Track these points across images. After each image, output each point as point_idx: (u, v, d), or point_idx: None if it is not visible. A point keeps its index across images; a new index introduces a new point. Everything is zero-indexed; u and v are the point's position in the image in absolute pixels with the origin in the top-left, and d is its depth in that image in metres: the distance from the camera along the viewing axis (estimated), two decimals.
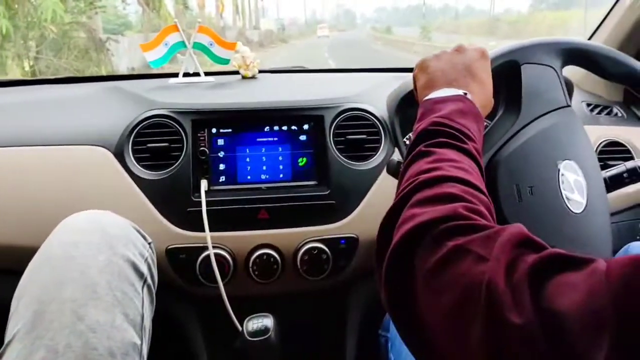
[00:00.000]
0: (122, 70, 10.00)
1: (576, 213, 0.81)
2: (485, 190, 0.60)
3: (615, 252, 0.91)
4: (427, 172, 0.60)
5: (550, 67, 0.87)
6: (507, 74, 0.86)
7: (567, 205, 0.81)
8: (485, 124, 0.77)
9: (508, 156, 0.81)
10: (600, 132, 1.29)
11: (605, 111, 1.38)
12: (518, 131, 0.84)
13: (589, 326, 0.37)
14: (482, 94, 0.75)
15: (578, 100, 1.36)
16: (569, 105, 0.88)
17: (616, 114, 1.37)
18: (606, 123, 1.34)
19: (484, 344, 0.43)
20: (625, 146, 1.26)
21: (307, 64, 1.75)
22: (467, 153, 0.64)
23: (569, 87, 1.12)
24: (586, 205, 0.82)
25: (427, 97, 0.74)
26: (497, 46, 0.88)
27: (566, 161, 0.83)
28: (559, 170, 0.82)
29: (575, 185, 0.83)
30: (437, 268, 0.49)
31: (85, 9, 9.51)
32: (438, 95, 0.73)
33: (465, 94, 0.72)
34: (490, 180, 0.80)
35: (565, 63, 0.90)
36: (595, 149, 1.25)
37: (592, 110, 1.37)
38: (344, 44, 33.56)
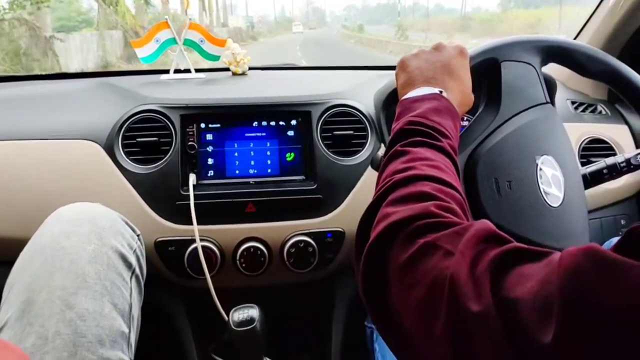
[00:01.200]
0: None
1: (554, 207, 0.83)
2: (459, 187, 0.62)
3: None
4: (401, 172, 0.61)
5: (530, 64, 0.89)
6: (487, 71, 0.87)
7: (544, 199, 0.82)
8: (466, 120, 0.78)
9: (487, 151, 0.82)
10: (584, 130, 1.31)
11: (590, 109, 1.40)
12: (497, 127, 0.85)
13: (539, 311, 0.39)
14: (459, 91, 0.76)
15: (563, 98, 1.38)
16: (548, 102, 0.90)
17: (600, 112, 1.39)
18: (590, 120, 1.36)
19: (446, 333, 0.45)
20: (608, 143, 1.29)
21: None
22: (441, 150, 0.66)
23: (551, 84, 1.14)
24: (563, 200, 0.84)
25: (404, 97, 0.76)
26: (478, 44, 0.89)
27: (544, 156, 0.84)
28: (537, 165, 0.83)
29: (553, 179, 0.84)
30: (408, 264, 0.51)
31: (24, 3, 8.97)
32: (415, 94, 0.74)
33: (441, 91, 0.73)
34: (470, 175, 0.82)
35: (544, 61, 0.91)
36: (578, 145, 1.27)
37: (576, 108, 1.39)
38: (316, 42, 33.22)
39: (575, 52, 0.91)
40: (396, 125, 0.71)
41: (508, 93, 0.87)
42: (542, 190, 0.83)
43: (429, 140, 0.66)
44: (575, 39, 1.48)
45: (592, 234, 0.88)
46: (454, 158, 0.67)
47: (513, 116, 0.86)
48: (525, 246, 0.47)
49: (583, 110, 1.39)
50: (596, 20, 1.41)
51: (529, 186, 0.82)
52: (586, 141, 1.28)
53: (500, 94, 0.86)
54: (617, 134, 1.31)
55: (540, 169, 0.84)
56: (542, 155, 0.85)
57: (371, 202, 0.61)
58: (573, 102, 1.40)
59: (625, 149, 1.28)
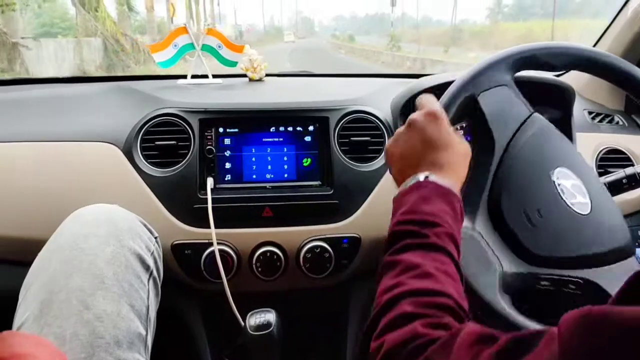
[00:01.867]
0: None
1: (585, 214, 0.82)
2: (451, 287, 0.61)
3: None
4: (390, 290, 0.62)
5: (504, 85, 0.88)
6: (467, 110, 0.87)
7: (574, 211, 0.82)
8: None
9: (503, 186, 0.82)
10: (601, 140, 1.30)
11: (607, 119, 1.39)
12: (501, 159, 0.85)
13: None
14: (447, 162, 0.74)
15: (580, 108, 1.37)
16: (532, 112, 0.90)
17: (617, 122, 1.38)
18: (607, 131, 1.35)
19: None
20: (626, 154, 1.27)
21: None
22: (432, 248, 0.65)
23: (569, 93, 1.14)
24: (592, 204, 0.83)
25: (394, 196, 0.75)
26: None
27: (557, 169, 0.84)
28: (554, 181, 0.83)
29: (574, 189, 0.84)
30: None
31: None
32: (403, 187, 0.74)
33: (427, 176, 0.72)
34: (498, 216, 0.82)
35: (515, 72, 0.91)
36: (596, 155, 1.26)
37: (593, 118, 1.38)
38: (306, 53, 32.19)
39: (537, 54, 0.91)
40: (389, 227, 0.71)
41: (495, 121, 0.86)
42: (568, 204, 0.82)
43: (418, 241, 0.65)
44: (594, 46, 1.47)
45: None
46: (446, 249, 0.66)
47: (509, 142, 0.86)
48: (519, 333, 0.47)
49: (600, 121, 1.38)
50: (615, 28, 1.41)
51: (556, 205, 0.82)
52: (603, 151, 1.27)
53: (489, 126, 0.86)
54: (634, 144, 1.30)
55: (559, 184, 0.83)
56: (555, 169, 0.84)
57: (367, 324, 0.62)
58: (590, 113, 1.39)
59: None
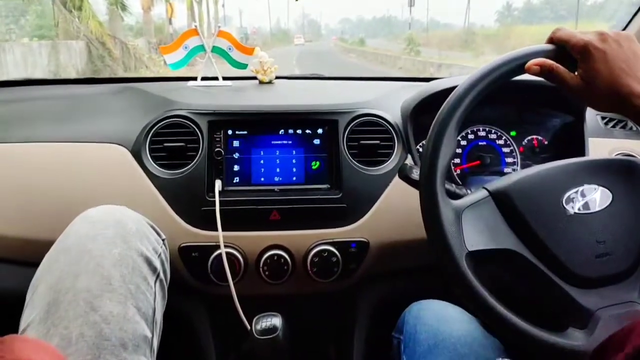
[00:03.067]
0: None
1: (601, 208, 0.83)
2: None
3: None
4: None
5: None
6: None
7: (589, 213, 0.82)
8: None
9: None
10: (615, 145, 1.29)
11: (620, 125, 1.37)
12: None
13: None
14: None
15: (593, 114, 1.36)
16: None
17: (631, 128, 1.37)
18: (620, 136, 1.33)
19: None
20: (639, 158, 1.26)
21: None
22: None
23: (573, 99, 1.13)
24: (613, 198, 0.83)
25: None
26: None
27: (565, 196, 0.83)
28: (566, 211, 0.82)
29: (590, 202, 0.83)
30: None
31: None
32: None
33: None
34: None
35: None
36: None
37: (606, 124, 1.37)
38: (314, 56, 31.49)
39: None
40: None
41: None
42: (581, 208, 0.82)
43: None
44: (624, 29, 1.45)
45: None
46: None
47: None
48: None
49: (613, 126, 1.37)
50: (633, 28, 1.40)
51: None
52: (617, 156, 1.26)
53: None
54: None
55: (571, 206, 0.83)
56: (565, 195, 0.83)
57: None
58: (603, 118, 1.38)
59: None
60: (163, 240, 0.92)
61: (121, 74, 12.50)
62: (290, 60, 23.67)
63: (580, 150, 1.23)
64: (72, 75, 10.82)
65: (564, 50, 0.80)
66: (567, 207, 0.82)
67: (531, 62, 0.80)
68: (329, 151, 1.19)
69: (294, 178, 1.18)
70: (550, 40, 0.83)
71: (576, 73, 0.79)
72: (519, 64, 0.82)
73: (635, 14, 1.41)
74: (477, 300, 0.76)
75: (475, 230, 0.80)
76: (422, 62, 20.69)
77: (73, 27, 11.71)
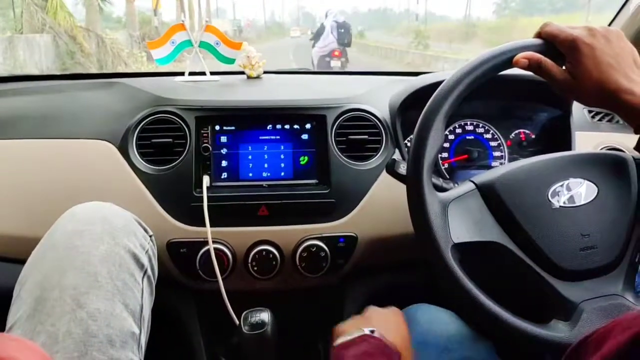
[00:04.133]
0: None
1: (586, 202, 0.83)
2: None
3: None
4: None
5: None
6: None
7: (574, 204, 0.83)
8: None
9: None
10: (601, 139, 1.29)
11: (607, 118, 1.38)
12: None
13: None
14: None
15: (580, 107, 1.36)
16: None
17: (617, 121, 1.38)
18: (607, 130, 1.34)
19: None
20: (626, 152, 1.27)
21: None
22: None
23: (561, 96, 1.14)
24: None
25: (334, 343, 0.74)
26: None
27: (550, 190, 0.84)
28: (551, 204, 0.83)
29: (575, 196, 0.84)
30: None
31: None
32: (344, 339, 0.73)
33: (372, 331, 0.70)
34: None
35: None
36: None
37: (593, 117, 1.37)
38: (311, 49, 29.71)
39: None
40: None
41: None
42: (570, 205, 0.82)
43: None
44: (609, 25, 1.46)
45: None
46: None
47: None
48: None
49: (600, 120, 1.38)
50: (617, 24, 1.40)
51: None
52: (603, 150, 1.27)
53: None
54: (634, 143, 1.29)
55: (557, 200, 0.83)
56: (550, 188, 0.84)
57: None
58: (590, 111, 1.39)
59: None
60: (150, 236, 0.92)
61: (95, 72, 10.68)
62: (286, 54, 22.83)
63: (567, 144, 1.24)
64: (34, 72, 9.51)
65: (552, 45, 0.81)
66: (552, 200, 0.82)
67: (519, 56, 0.81)
68: (317, 146, 1.19)
69: (282, 173, 1.18)
70: (539, 35, 0.83)
71: (564, 68, 0.79)
72: (507, 58, 0.82)
73: (620, 10, 1.42)
74: (461, 291, 0.77)
75: (461, 222, 0.81)
76: (433, 56, 19.20)
77: (37, 19, 10.16)
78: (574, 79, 0.77)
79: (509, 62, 0.82)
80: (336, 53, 10.02)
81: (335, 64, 9.86)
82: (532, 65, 0.80)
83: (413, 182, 0.81)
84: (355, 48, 31.29)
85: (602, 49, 0.76)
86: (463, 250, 0.80)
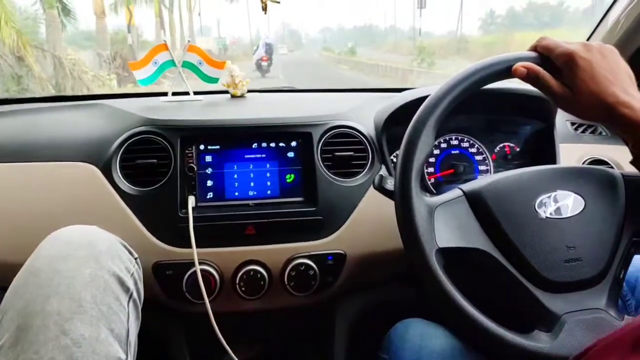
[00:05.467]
0: None
1: (574, 214, 0.84)
2: None
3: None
4: None
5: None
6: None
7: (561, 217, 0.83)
8: None
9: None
10: (585, 150, 1.31)
11: (590, 130, 1.40)
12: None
13: None
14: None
15: (562, 119, 1.38)
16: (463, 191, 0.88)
17: (600, 133, 1.39)
18: (590, 141, 1.36)
19: None
20: (609, 163, 1.28)
21: None
22: None
23: (549, 104, 1.14)
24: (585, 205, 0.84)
25: None
26: None
27: (538, 200, 0.84)
28: (538, 215, 0.83)
29: (561, 207, 0.84)
30: None
31: None
32: None
33: None
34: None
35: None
36: None
37: (576, 129, 1.39)
38: (301, 67, 28.75)
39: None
40: None
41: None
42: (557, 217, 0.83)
43: None
44: (588, 39, 1.48)
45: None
46: None
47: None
48: None
49: (583, 131, 1.39)
50: (596, 38, 1.42)
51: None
52: (587, 162, 1.28)
53: None
54: (617, 154, 1.31)
55: (543, 210, 0.83)
56: (538, 199, 0.84)
57: None
58: (573, 123, 1.40)
59: (626, 168, 1.28)
60: (136, 258, 0.90)
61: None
62: (274, 71, 21.83)
63: (552, 156, 1.25)
64: None
65: (547, 58, 0.81)
66: (539, 210, 0.82)
67: (518, 65, 0.81)
68: (304, 164, 1.18)
69: (269, 192, 1.17)
70: (534, 49, 0.84)
71: (560, 82, 0.80)
72: (502, 68, 0.83)
73: (598, 24, 1.44)
74: (444, 295, 0.77)
75: (447, 227, 0.81)
76: (442, 75, 17.93)
77: None
78: (571, 93, 0.78)
79: (503, 72, 0.83)
80: (264, 58, 19.90)
81: (264, 64, 19.73)
82: (530, 76, 0.81)
83: (401, 184, 0.81)
84: (347, 66, 30.40)
85: (599, 63, 0.77)
86: (448, 256, 0.79)
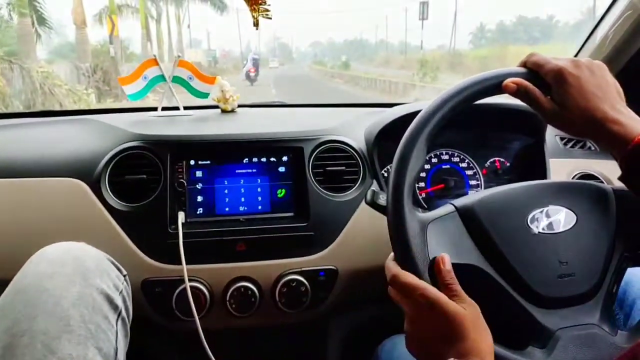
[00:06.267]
0: None
1: (565, 230, 0.83)
2: None
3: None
4: None
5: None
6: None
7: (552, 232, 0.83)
8: None
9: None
10: (574, 165, 1.31)
11: (579, 145, 1.40)
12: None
13: None
14: (474, 342, 0.70)
15: (552, 134, 1.38)
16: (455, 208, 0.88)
17: (589, 148, 1.40)
18: (580, 156, 1.36)
19: None
20: (599, 178, 1.29)
21: None
22: None
23: (538, 120, 1.15)
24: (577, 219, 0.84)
25: None
26: None
27: (530, 215, 0.84)
28: (530, 230, 0.83)
29: (553, 222, 0.84)
30: None
31: None
32: None
33: None
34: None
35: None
36: None
37: (565, 144, 1.39)
38: (293, 82, 28.80)
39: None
40: None
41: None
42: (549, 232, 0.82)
43: None
44: (576, 55, 1.49)
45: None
46: None
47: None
48: None
49: (572, 146, 1.40)
50: (584, 54, 1.44)
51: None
52: (577, 177, 1.28)
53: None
54: (607, 169, 1.32)
55: (536, 226, 0.83)
56: (530, 214, 0.84)
57: None
58: (562, 138, 1.41)
59: (616, 183, 1.29)
60: (124, 276, 0.89)
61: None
62: (267, 86, 21.80)
63: (542, 171, 1.25)
64: None
65: (537, 74, 0.82)
66: (531, 226, 0.82)
67: (508, 81, 0.81)
68: (295, 179, 1.18)
69: (260, 207, 1.16)
70: (524, 65, 0.84)
71: (549, 98, 0.80)
72: (492, 84, 0.83)
73: (586, 40, 1.45)
74: None
75: (440, 243, 0.80)
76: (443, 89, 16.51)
77: None
78: (560, 109, 0.78)
79: (494, 88, 0.83)
80: (252, 70, 24.07)
81: (252, 74, 23.86)
82: (519, 91, 0.81)
83: (393, 200, 0.80)
84: (341, 81, 29.81)
85: (588, 79, 0.77)
86: None
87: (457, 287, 0.75)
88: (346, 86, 26.14)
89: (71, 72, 13.10)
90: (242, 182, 1.17)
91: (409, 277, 0.74)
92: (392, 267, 0.78)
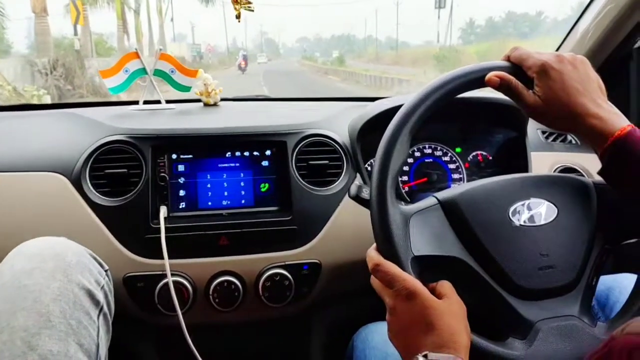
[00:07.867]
0: None
1: (547, 222, 0.84)
2: None
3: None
4: None
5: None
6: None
7: (533, 224, 0.83)
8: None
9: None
10: (556, 159, 1.32)
11: (560, 138, 1.42)
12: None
13: None
14: (451, 335, 0.70)
15: (534, 128, 1.39)
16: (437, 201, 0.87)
17: (571, 141, 1.41)
18: (561, 150, 1.38)
19: None
20: (580, 171, 1.30)
21: None
22: None
23: (521, 113, 1.15)
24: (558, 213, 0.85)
25: None
26: None
27: (511, 208, 0.84)
28: (512, 223, 0.83)
29: (534, 216, 0.84)
30: None
31: None
32: None
33: (425, 355, 0.68)
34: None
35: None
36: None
37: (547, 138, 1.41)
38: (283, 77, 28.46)
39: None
40: None
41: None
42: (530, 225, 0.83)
43: None
44: (557, 49, 1.50)
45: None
46: None
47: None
48: None
49: (554, 140, 1.41)
50: (566, 48, 1.45)
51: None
52: (558, 170, 1.30)
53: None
54: (588, 162, 1.33)
55: (517, 218, 0.84)
56: (511, 207, 0.84)
57: None
58: (544, 132, 1.42)
59: (596, 177, 1.30)
60: (106, 271, 0.88)
61: None
62: (255, 77, 21.18)
63: (524, 165, 1.26)
64: None
65: (520, 68, 0.82)
66: (513, 218, 0.83)
67: (492, 74, 0.82)
68: (278, 173, 1.17)
69: (243, 201, 1.16)
70: (507, 59, 0.85)
71: (532, 92, 0.81)
72: (475, 77, 0.83)
73: (567, 35, 1.46)
74: None
75: (422, 236, 0.81)
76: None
77: None
78: (542, 103, 0.79)
79: (477, 81, 0.83)
80: (242, 63, 33.44)
81: (243, 66, 33.11)
82: (502, 85, 0.81)
83: (377, 194, 0.80)
84: (337, 78, 28.68)
85: (570, 74, 0.78)
86: (423, 263, 0.79)
87: (445, 285, 0.76)
88: (344, 84, 24.61)
89: (22, 69, 11.63)
90: (225, 176, 1.16)
91: (391, 267, 0.75)
92: (375, 256, 0.78)
